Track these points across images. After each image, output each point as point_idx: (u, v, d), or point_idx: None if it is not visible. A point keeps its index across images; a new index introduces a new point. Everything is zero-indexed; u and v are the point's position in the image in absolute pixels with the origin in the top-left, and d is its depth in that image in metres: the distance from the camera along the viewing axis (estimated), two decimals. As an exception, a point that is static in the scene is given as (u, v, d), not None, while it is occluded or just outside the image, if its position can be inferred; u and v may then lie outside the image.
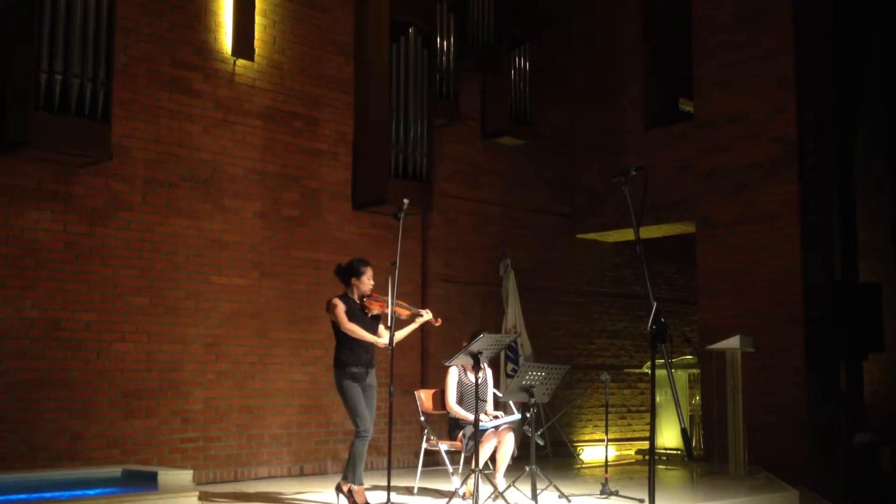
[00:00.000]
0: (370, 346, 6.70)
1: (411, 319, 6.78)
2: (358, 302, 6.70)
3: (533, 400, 6.84)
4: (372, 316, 6.73)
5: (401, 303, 6.65)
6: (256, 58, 8.85)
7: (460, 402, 7.42)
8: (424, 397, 7.82)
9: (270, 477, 8.66)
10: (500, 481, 7.17)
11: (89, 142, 7.28)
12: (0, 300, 7.15)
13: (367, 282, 6.71)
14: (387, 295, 6.60)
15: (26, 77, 7.03)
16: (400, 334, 6.69)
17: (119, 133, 7.76)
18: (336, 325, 6.66)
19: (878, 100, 13.11)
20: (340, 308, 6.60)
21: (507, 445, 7.17)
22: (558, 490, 7.12)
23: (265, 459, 8.66)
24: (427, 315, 6.79)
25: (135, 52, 8.03)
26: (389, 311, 6.58)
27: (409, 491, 7.68)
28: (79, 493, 6.05)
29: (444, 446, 7.38)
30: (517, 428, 7.45)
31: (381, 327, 6.81)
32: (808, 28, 10.33)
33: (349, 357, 6.61)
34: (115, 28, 7.51)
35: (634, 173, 4.92)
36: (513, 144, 11.24)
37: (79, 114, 7.20)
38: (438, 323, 6.92)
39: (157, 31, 8.19)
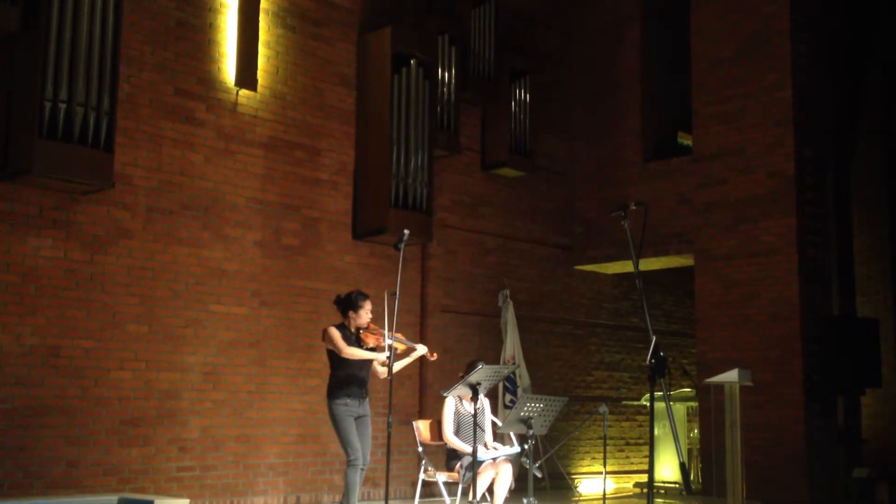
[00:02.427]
0: (364, 376, 6.71)
1: (407, 353, 6.82)
2: (354, 333, 6.72)
3: (531, 431, 6.82)
4: (368, 349, 6.74)
5: (397, 336, 6.66)
6: (259, 88, 8.92)
7: (457, 432, 7.41)
8: (422, 428, 7.80)
9: (267, 507, 8.62)
10: (498, 513, 7.15)
11: (92, 170, 7.32)
12: (-1, 326, 7.16)
13: (364, 315, 6.73)
14: (383, 326, 6.62)
15: (30, 105, 7.07)
16: (395, 367, 6.70)
17: (121, 161, 7.80)
18: (331, 354, 6.66)
19: (876, 134, 13.19)
20: (336, 335, 6.61)
21: (505, 477, 7.15)
22: (556, 523, 7.10)
23: (261, 489, 8.62)
24: (423, 349, 6.84)
25: (138, 81, 8.09)
26: (386, 343, 6.59)
27: (405, 522, 7.65)
28: (75, 521, 6.03)
29: (441, 477, 7.36)
30: (515, 460, 7.43)
31: (376, 361, 6.81)
32: (806, 62, 10.43)
33: (342, 387, 6.62)
34: (119, 57, 7.57)
35: (634, 208, 4.96)
36: (512, 176, 11.29)
37: (82, 142, 7.24)
38: (434, 357, 6.97)
39: (161, 60, 8.26)
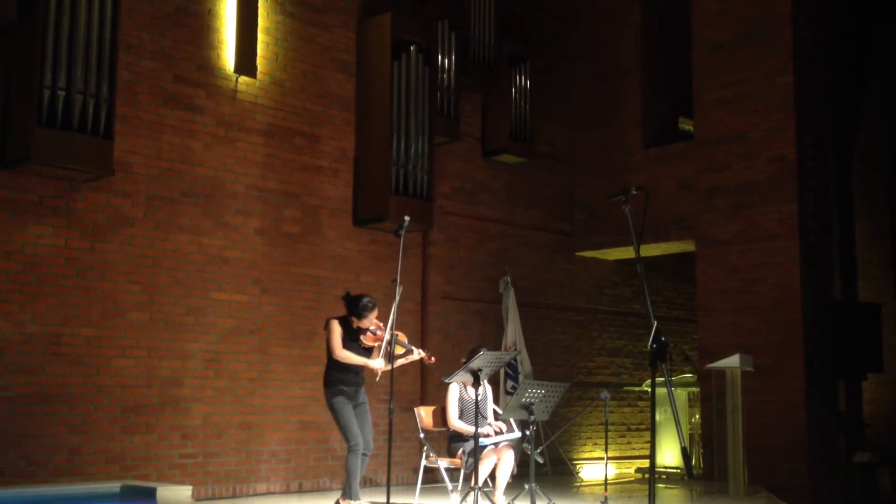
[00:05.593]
0: (360, 366, 6.76)
1: (404, 355, 6.86)
2: (355, 328, 6.74)
3: (532, 417, 6.83)
4: (365, 348, 6.78)
5: (398, 336, 6.69)
6: (258, 75, 8.89)
7: (460, 418, 7.42)
8: (424, 414, 7.81)
9: (269, 493, 8.64)
10: (500, 499, 7.17)
11: (91, 157, 7.30)
12: (1, 315, 7.15)
13: (366, 323, 6.76)
14: (385, 322, 6.65)
15: (29, 92, 7.06)
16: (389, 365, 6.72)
17: (121, 149, 7.78)
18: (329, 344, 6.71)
19: (877, 119, 13.16)
20: (336, 334, 6.63)
21: (507, 463, 7.16)
22: (558, 508, 7.11)
23: (264, 476, 8.65)
24: (420, 354, 6.91)
25: (137, 68, 8.07)
26: (384, 344, 6.64)
27: (408, 508, 7.66)
28: (77, 508, 6.05)
29: (443, 463, 7.37)
30: (517, 445, 7.44)
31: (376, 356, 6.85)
32: (808, 47, 10.39)
33: (339, 376, 6.69)
34: (118, 44, 7.55)
35: (635, 192, 4.95)
36: (512, 162, 11.27)
37: (81, 130, 7.22)
38: (432, 361, 7.04)
39: (160, 47, 8.23)
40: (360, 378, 6.77)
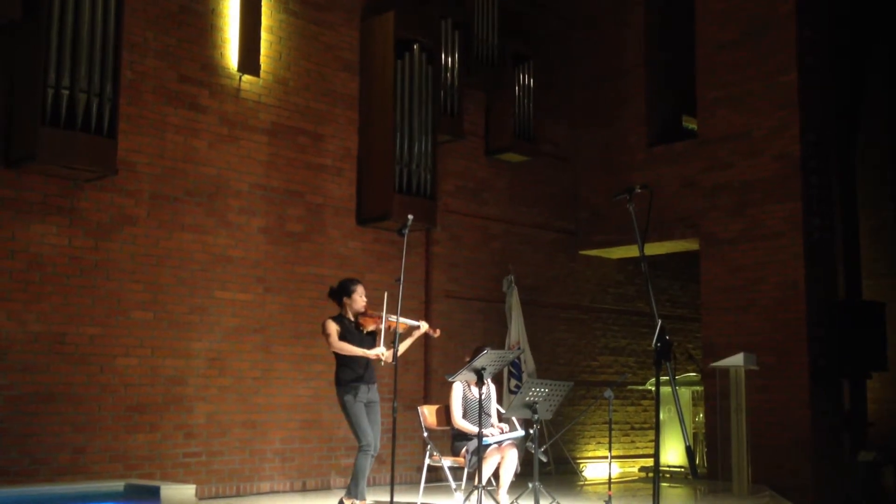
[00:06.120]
0: (369, 362, 6.70)
1: (409, 333, 6.79)
2: (352, 320, 6.72)
3: (536, 416, 6.83)
4: (367, 333, 6.75)
5: (397, 318, 6.66)
6: (262, 74, 8.89)
7: (464, 417, 7.43)
8: (428, 413, 7.82)
9: (273, 492, 8.65)
10: (504, 498, 7.17)
11: (95, 157, 7.31)
12: (5, 314, 7.16)
13: (358, 300, 6.72)
14: (381, 310, 6.61)
15: (33, 92, 7.06)
16: (399, 348, 6.66)
17: (125, 148, 7.79)
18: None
19: (880, 117, 13.15)
20: (331, 329, 6.63)
21: (511, 462, 7.17)
22: (561, 507, 7.09)
23: (268, 474, 8.65)
24: (424, 326, 6.82)
25: (141, 67, 8.07)
26: (383, 326, 6.59)
27: (411, 507, 7.66)
28: (81, 507, 6.05)
29: (447, 462, 7.37)
30: (520, 444, 7.44)
31: (380, 344, 6.79)
32: (811, 46, 10.38)
33: (349, 374, 6.64)
34: (121, 43, 7.55)
35: (639, 191, 4.94)
36: (516, 161, 11.26)
37: (85, 129, 7.22)
38: (437, 334, 6.95)
39: (164, 46, 8.23)
40: (371, 374, 6.72)
